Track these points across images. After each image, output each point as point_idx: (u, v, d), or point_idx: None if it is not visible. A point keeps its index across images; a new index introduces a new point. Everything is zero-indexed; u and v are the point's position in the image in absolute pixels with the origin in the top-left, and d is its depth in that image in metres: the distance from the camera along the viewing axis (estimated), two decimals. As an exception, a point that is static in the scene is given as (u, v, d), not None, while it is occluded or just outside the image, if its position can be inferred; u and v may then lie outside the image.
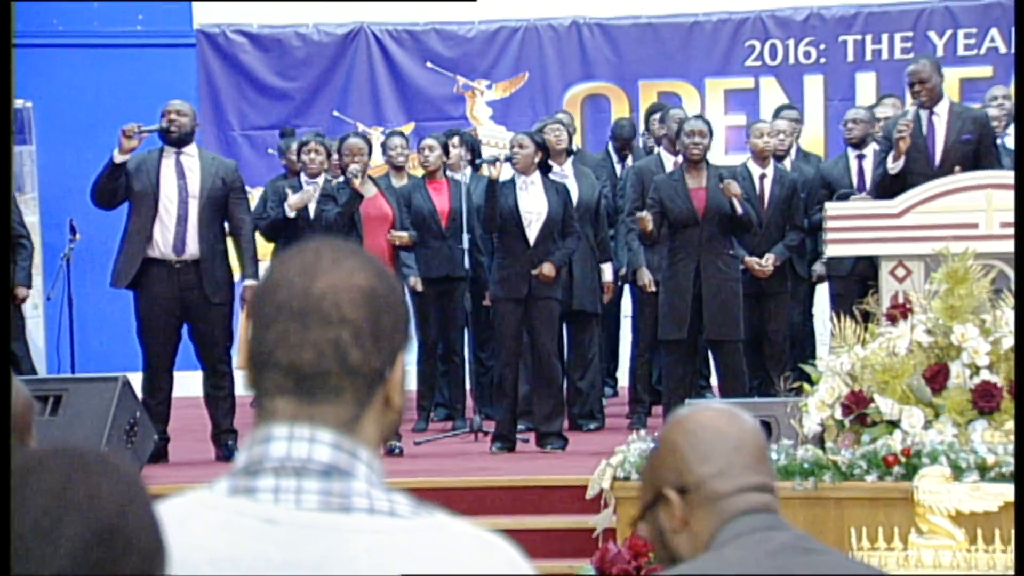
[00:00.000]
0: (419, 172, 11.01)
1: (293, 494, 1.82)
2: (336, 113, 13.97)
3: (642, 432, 7.50)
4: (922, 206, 7.96)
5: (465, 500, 7.52)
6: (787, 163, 10.64)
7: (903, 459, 5.89)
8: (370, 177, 9.78)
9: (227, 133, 13.85)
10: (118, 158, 8.93)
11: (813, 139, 12.79)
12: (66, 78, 13.88)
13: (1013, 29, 13.12)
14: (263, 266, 8.95)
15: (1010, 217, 7.46)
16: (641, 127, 11.90)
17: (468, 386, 10.50)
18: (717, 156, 9.88)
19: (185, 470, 8.68)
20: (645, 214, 9.28)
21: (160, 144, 9.13)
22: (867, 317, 6.57)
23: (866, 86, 13.53)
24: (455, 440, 9.82)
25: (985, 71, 13.19)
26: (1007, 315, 6.15)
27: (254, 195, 10.55)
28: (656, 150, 10.89)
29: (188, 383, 9.63)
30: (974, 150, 9.10)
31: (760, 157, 10.22)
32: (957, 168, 8.70)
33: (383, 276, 1.90)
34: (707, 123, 9.69)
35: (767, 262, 9.89)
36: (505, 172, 9.49)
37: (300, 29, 14.10)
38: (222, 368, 9.14)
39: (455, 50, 14.06)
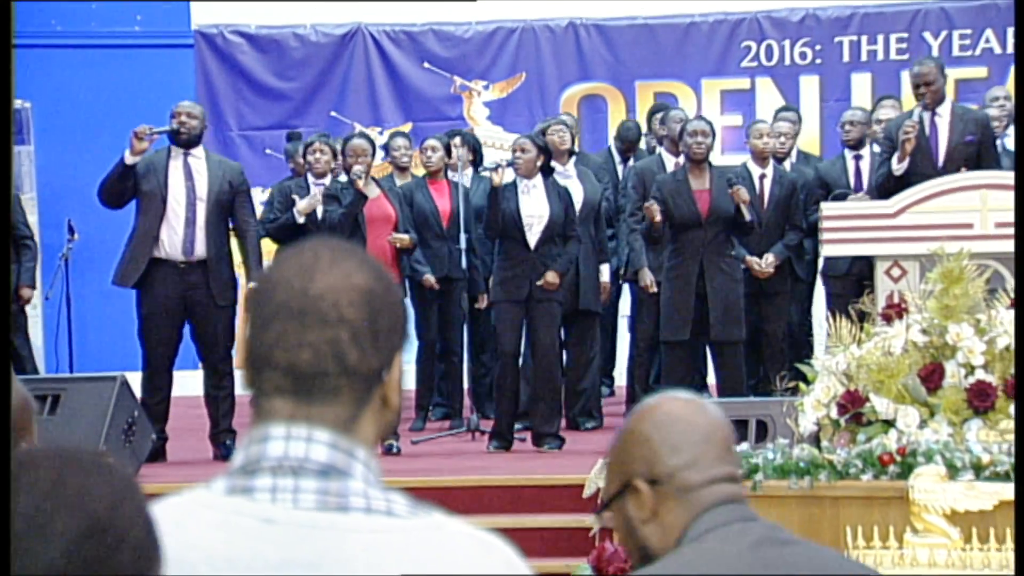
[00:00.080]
0: (420, 172, 11.03)
1: (290, 493, 1.82)
2: (334, 113, 13.99)
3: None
4: (917, 206, 7.98)
5: (462, 499, 7.53)
6: (787, 165, 10.66)
7: (898, 458, 5.89)
8: (373, 178, 9.80)
9: (225, 133, 13.87)
10: (129, 159, 8.94)
11: (809, 140, 12.80)
12: (64, 78, 13.89)
13: (1009, 30, 13.15)
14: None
15: (1005, 217, 7.48)
16: (644, 128, 11.91)
17: (466, 385, 10.52)
18: (714, 156, 9.90)
19: (183, 469, 8.69)
20: (652, 204, 9.27)
21: (167, 144, 9.14)
22: (863, 317, 6.58)
23: (862, 87, 13.55)
24: (453, 439, 9.83)
25: (980, 72, 13.21)
26: (1002, 315, 6.17)
27: (254, 195, 10.56)
28: (658, 150, 10.90)
29: (187, 382, 9.65)
30: (976, 151, 9.12)
31: (760, 157, 10.24)
32: (963, 169, 8.73)
33: (381, 277, 1.91)
34: (709, 123, 9.72)
35: (767, 263, 9.92)
36: (508, 175, 9.50)
37: (298, 30, 14.12)
38: (223, 368, 9.16)
39: (452, 51, 14.08)
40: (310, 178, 9.84)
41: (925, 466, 5.80)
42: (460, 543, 1.84)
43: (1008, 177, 8.44)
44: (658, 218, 9.23)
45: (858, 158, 10.37)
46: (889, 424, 6.12)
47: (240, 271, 9.37)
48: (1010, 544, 5.61)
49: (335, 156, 9.89)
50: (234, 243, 9.29)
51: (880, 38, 13.60)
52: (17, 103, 12.69)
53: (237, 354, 9.57)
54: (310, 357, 1.85)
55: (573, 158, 10.50)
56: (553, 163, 9.75)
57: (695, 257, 9.33)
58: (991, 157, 9.20)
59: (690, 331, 9.31)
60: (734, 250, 9.50)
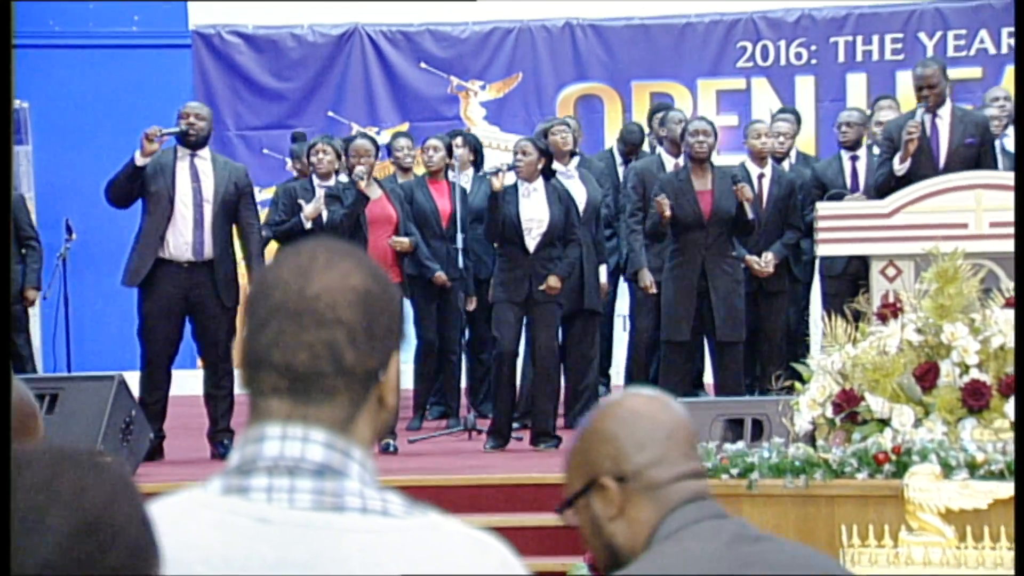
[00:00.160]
0: (420, 171, 11.05)
1: (286, 493, 1.82)
2: (331, 113, 14.00)
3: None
4: (912, 206, 8.00)
5: (459, 498, 7.55)
6: (785, 165, 10.68)
7: (893, 457, 5.90)
8: (376, 179, 9.81)
9: (222, 133, 13.87)
10: (140, 160, 8.96)
11: (805, 140, 12.81)
12: (62, 79, 13.90)
13: (1003, 30, 13.17)
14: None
15: (999, 217, 7.50)
16: (646, 128, 11.91)
17: (463, 385, 10.54)
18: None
19: (181, 468, 8.70)
20: (662, 197, 9.26)
21: (173, 145, 9.16)
22: (858, 316, 6.59)
23: (857, 87, 13.57)
24: (449, 438, 9.85)
25: (975, 72, 13.23)
26: (996, 314, 6.18)
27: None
28: (657, 150, 10.91)
29: (185, 381, 9.67)
30: (976, 153, 9.15)
31: (758, 157, 10.26)
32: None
33: (378, 277, 1.91)
34: (711, 123, 9.72)
35: (766, 261, 9.94)
36: (508, 179, 9.49)
37: (295, 30, 14.13)
38: (224, 367, 9.17)
39: (449, 51, 14.10)
40: (315, 180, 9.86)
41: (920, 465, 5.82)
42: (456, 543, 1.84)
43: (1002, 177, 8.47)
44: (668, 212, 9.22)
45: (855, 159, 10.39)
46: (884, 423, 6.13)
47: (242, 271, 9.39)
48: (1004, 543, 5.63)
49: (339, 157, 9.90)
50: (236, 244, 9.31)
51: (875, 38, 13.62)
52: (15, 103, 12.70)
53: (234, 354, 9.57)
54: (307, 357, 1.85)
55: (575, 159, 10.51)
56: (555, 164, 9.75)
57: (697, 257, 9.33)
58: (989, 160, 9.23)
59: (691, 331, 9.33)
60: (735, 251, 9.52)
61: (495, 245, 9.68)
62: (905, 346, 6.24)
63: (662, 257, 9.73)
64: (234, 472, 1.86)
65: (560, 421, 9.71)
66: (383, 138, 12.24)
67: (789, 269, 10.21)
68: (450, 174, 10.60)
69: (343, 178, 9.67)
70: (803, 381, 6.49)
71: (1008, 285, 6.58)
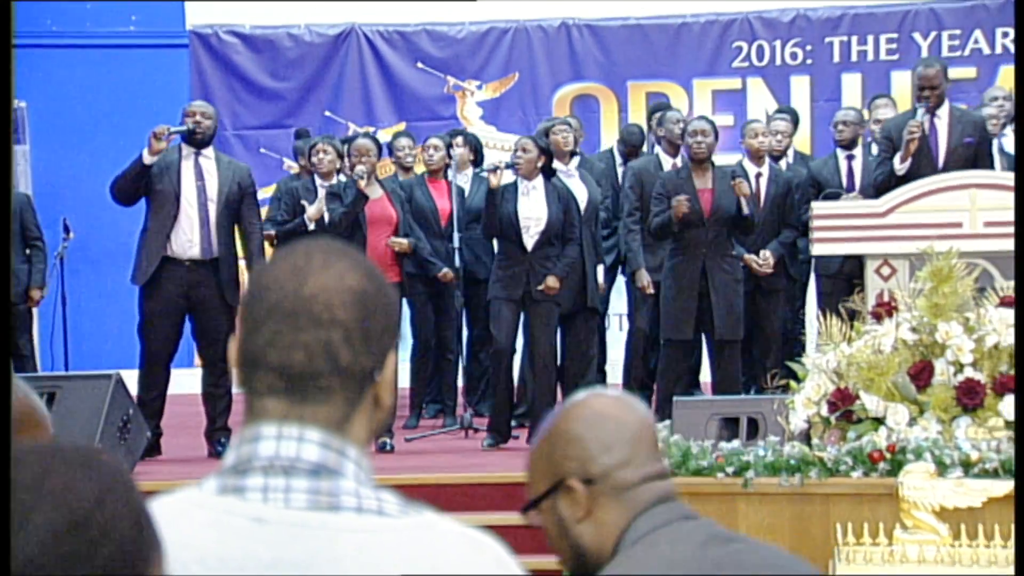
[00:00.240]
0: (421, 170, 11.06)
1: (282, 493, 1.83)
2: (328, 113, 14.02)
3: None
4: (907, 205, 8.01)
5: (456, 496, 7.55)
6: (783, 164, 10.70)
7: (888, 455, 5.92)
8: (377, 179, 9.82)
9: (220, 133, 13.83)
10: (147, 159, 8.98)
11: (800, 140, 12.83)
12: (60, 78, 13.91)
13: (998, 30, 13.19)
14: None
15: (994, 216, 7.51)
16: (645, 128, 11.92)
17: (460, 383, 10.55)
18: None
19: (178, 466, 8.71)
20: (681, 198, 9.22)
21: (178, 143, 9.17)
22: (853, 315, 6.61)
23: (852, 87, 13.59)
24: (446, 437, 9.86)
25: (969, 72, 13.24)
26: (991, 313, 6.20)
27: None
28: (655, 150, 10.92)
29: (183, 380, 9.68)
30: (974, 153, 9.17)
31: (755, 156, 10.28)
32: None
33: (373, 277, 1.91)
34: (711, 123, 9.71)
35: (764, 258, 9.96)
36: (505, 177, 9.51)
37: (292, 30, 14.14)
38: (223, 366, 9.17)
39: (445, 51, 14.11)
40: (316, 179, 9.87)
41: (914, 463, 5.84)
42: (451, 542, 1.84)
43: (997, 176, 8.49)
44: (685, 208, 9.18)
45: (851, 158, 10.40)
46: (879, 421, 6.15)
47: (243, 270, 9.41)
48: (999, 541, 5.65)
49: (340, 157, 9.91)
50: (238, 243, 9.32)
51: (870, 38, 13.64)
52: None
53: (229, 353, 9.56)
54: (303, 357, 1.85)
55: (576, 158, 10.51)
56: (556, 163, 9.75)
57: (696, 256, 9.33)
58: (986, 160, 9.25)
59: (691, 330, 9.34)
60: (734, 250, 9.53)
61: (493, 242, 9.69)
62: (900, 345, 6.25)
63: (659, 256, 9.74)
64: (230, 472, 1.87)
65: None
66: (381, 137, 12.25)
67: (786, 268, 10.23)
68: (449, 173, 10.61)
69: (344, 177, 9.68)
70: (798, 380, 6.51)
71: (1002, 284, 6.59)
